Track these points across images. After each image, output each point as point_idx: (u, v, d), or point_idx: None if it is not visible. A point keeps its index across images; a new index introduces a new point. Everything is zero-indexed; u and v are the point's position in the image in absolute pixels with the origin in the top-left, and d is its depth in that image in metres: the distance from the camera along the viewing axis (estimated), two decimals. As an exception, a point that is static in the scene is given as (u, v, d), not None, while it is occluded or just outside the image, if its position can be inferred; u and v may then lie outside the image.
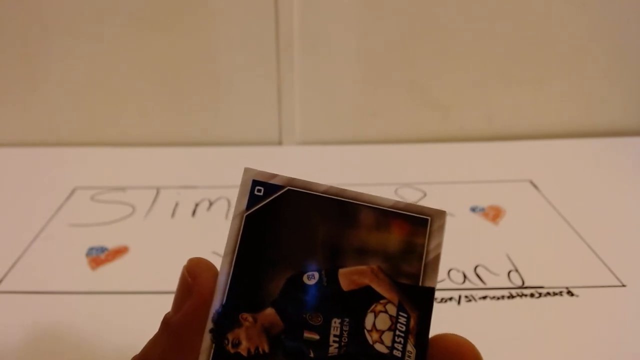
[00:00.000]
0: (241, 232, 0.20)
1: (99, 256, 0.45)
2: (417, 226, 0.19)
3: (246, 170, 0.20)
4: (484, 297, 0.40)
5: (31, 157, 0.63)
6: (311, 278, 0.19)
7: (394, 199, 0.20)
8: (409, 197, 0.54)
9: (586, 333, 0.37)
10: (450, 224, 0.50)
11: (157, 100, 0.66)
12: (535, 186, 0.56)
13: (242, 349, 0.19)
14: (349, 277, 0.19)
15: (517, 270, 0.43)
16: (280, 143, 0.67)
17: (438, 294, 0.41)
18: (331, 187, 0.20)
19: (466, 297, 0.40)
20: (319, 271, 0.19)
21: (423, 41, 0.64)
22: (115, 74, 0.64)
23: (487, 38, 0.64)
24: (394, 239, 0.19)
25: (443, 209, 0.20)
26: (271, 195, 0.20)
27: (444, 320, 0.38)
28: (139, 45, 0.63)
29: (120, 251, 0.46)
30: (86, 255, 0.46)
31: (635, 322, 0.38)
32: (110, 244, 0.47)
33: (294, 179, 0.20)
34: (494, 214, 0.51)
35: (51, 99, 0.65)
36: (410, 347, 0.19)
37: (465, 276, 0.43)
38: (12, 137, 0.66)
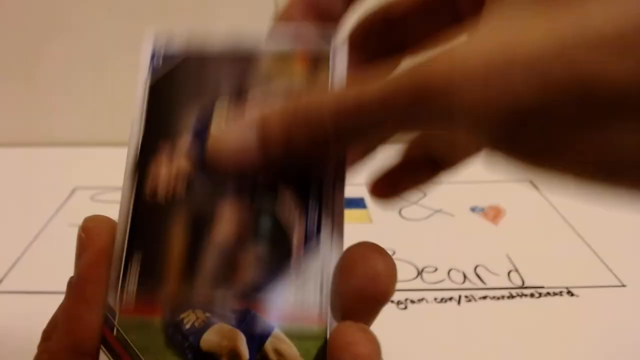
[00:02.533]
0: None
1: (99, 256, 0.45)
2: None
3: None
4: (484, 297, 0.40)
5: (31, 157, 0.63)
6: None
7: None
8: (409, 197, 0.54)
9: (586, 333, 0.37)
10: (450, 224, 0.50)
11: (157, 100, 0.65)
12: (535, 186, 0.56)
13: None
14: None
15: (517, 271, 0.43)
16: (280, 143, 0.67)
17: (438, 294, 0.41)
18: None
19: (466, 297, 0.40)
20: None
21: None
22: (115, 73, 0.64)
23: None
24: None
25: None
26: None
27: (444, 320, 0.38)
28: (139, 44, 0.62)
29: (120, 251, 0.46)
30: (86, 255, 0.45)
31: (635, 322, 0.38)
32: (110, 244, 0.47)
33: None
34: (494, 214, 0.51)
35: (51, 99, 0.65)
36: None
37: (465, 276, 0.43)
38: (12, 137, 0.66)
